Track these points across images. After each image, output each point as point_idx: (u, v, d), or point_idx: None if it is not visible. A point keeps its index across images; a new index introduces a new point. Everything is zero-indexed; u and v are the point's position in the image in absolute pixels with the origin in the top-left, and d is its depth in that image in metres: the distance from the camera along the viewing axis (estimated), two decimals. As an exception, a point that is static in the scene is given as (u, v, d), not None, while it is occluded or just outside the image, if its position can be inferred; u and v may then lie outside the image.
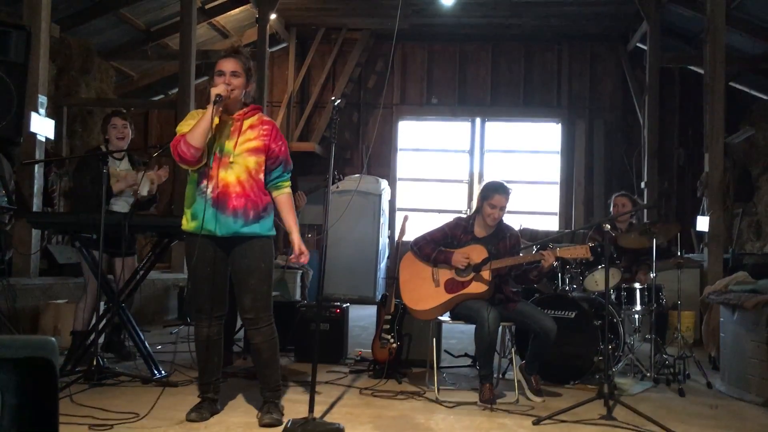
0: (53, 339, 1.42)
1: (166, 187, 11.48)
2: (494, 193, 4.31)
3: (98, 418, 3.31)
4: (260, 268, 3.44)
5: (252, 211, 3.40)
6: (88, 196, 4.74)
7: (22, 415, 1.40)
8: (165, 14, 10.37)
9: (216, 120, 3.39)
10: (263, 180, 3.48)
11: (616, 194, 5.85)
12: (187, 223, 3.46)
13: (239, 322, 5.31)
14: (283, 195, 3.56)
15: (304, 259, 3.51)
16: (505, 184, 4.40)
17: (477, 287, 4.19)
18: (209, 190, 3.39)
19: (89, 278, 4.76)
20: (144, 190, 4.82)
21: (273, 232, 3.53)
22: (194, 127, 3.35)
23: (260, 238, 3.45)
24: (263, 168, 3.47)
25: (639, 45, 11.02)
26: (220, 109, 3.37)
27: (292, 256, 3.51)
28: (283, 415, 3.42)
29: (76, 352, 4.42)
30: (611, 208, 5.79)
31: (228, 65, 3.45)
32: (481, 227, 4.41)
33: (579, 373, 4.70)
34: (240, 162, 3.40)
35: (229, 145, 3.42)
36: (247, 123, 3.49)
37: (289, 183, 3.60)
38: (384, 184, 11.43)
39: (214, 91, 3.34)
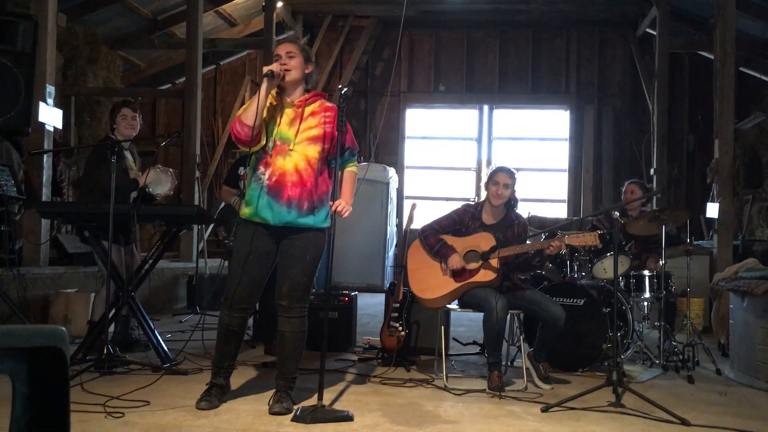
0: (63, 328, 1.42)
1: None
2: (497, 171, 4.38)
3: (109, 405, 3.33)
4: (304, 260, 3.44)
5: (306, 202, 3.39)
6: (108, 188, 4.73)
7: (34, 403, 1.41)
8: (171, 3, 10.36)
9: (273, 101, 3.43)
10: (324, 168, 3.48)
11: (628, 181, 5.82)
12: (243, 209, 3.48)
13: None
14: (346, 172, 3.59)
15: (345, 212, 3.46)
16: (511, 168, 4.44)
17: (485, 275, 4.19)
18: (265, 177, 3.40)
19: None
20: (161, 189, 4.72)
21: (327, 224, 3.51)
22: (248, 105, 3.37)
23: (312, 230, 3.44)
24: (324, 157, 3.46)
25: (648, 30, 10.92)
26: (274, 88, 3.40)
27: (337, 204, 3.45)
28: (294, 404, 3.43)
29: (87, 341, 4.44)
30: (623, 196, 5.76)
31: (282, 48, 3.47)
32: (490, 214, 4.40)
33: (588, 361, 4.69)
34: (299, 150, 3.40)
35: (289, 132, 3.42)
36: (308, 110, 3.47)
37: (355, 162, 3.63)
38: (392, 172, 11.40)
39: (266, 68, 3.35)
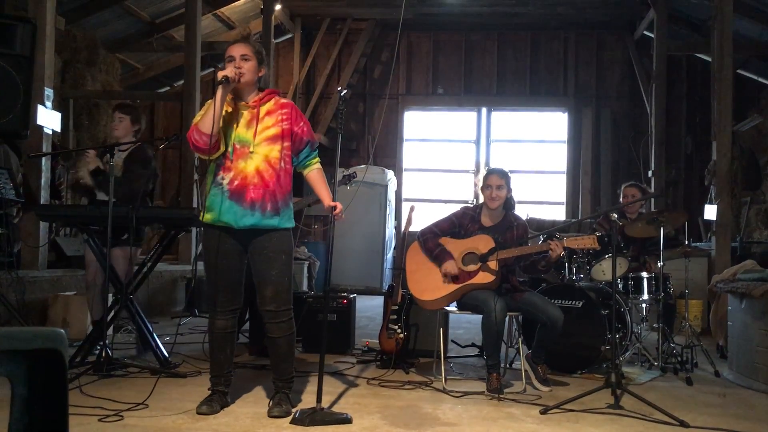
0: (62, 330, 1.42)
1: (172, 179, 11.53)
2: (488, 174, 4.41)
3: (107, 408, 3.33)
4: (281, 260, 3.41)
5: (270, 203, 3.36)
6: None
7: (32, 405, 1.41)
8: (170, 6, 10.37)
9: (227, 107, 3.38)
10: (288, 168, 3.44)
11: (625, 184, 5.81)
12: (204, 215, 3.43)
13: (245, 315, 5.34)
14: (313, 171, 3.57)
15: (339, 214, 3.47)
16: (503, 168, 4.47)
17: (484, 277, 4.19)
18: (226, 181, 3.36)
19: (89, 268, 4.80)
20: (83, 173, 4.75)
21: (291, 224, 3.49)
22: (204, 113, 3.33)
23: (278, 231, 3.42)
24: (286, 155, 3.43)
25: (646, 33, 10.94)
26: (229, 92, 3.35)
27: (339, 210, 3.46)
28: (293, 406, 3.43)
29: (86, 344, 4.44)
30: (621, 198, 5.75)
31: (237, 50, 3.41)
32: (488, 217, 4.41)
33: (586, 363, 4.70)
34: (259, 152, 3.36)
35: (247, 134, 3.38)
36: (264, 109, 3.44)
37: (317, 159, 3.59)
38: (390, 174, 11.42)
39: (220, 74, 3.29)
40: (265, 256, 3.40)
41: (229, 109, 3.42)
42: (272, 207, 3.37)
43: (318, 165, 3.59)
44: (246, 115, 3.42)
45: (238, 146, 3.38)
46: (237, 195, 3.34)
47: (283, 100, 3.54)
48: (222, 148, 3.38)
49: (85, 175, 4.76)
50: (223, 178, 3.37)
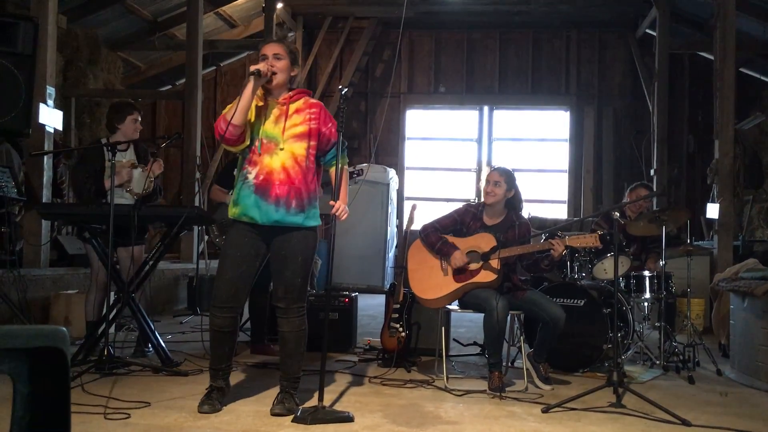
0: (64, 329, 1.42)
1: (175, 177, 11.54)
2: (490, 171, 4.41)
3: (110, 407, 3.33)
4: (296, 261, 3.42)
5: (295, 200, 3.37)
6: (85, 191, 4.71)
7: (35, 403, 1.41)
8: (171, 4, 10.37)
9: (258, 101, 3.41)
10: (312, 166, 3.46)
11: (637, 184, 5.73)
12: (230, 209, 3.48)
13: (245, 315, 5.35)
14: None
15: (343, 214, 3.45)
16: (506, 167, 4.47)
17: (486, 276, 4.19)
18: (252, 176, 3.38)
19: (95, 269, 4.78)
20: (138, 188, 4.68)
21: (316, 222, 3.50)
22: (233, 105, 3.35)
23: (301, 230, 3.43)
24: (312, 154, 3.45)
25: (648, 31, 10.93)
26: (260, 87, 3.38)
27: (336, 207, 3.43)
28: (298, 405, 3.41)
29: (88, 342, 4.45)
30: (627, 195, 5.70)
31: (270, 49, 3.44)
32: (490, 215, 4.40)
33: (588, 361, 4.69)
34: (287, 148, 3.39)
35: (275, 130, 3.41)
36: (293, 107, 3.46)
37: (344, 157, 3.59)
38: (392, 173, 11.41)
39: (252, 67, 3.32)
40: (282, 255, 3.43)
41: (260, 103, 3.46)
42: (297, 204, 3.38)
43: (342, 163, 3.58)
44: (275, 111, 3.45)
45: (265, 141, 3.40)
46: (262, 190, 3.36)
47: (312, 100, 3.57)
48: (247, 141, 3.42)
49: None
50: (249, 173, 3.41)
